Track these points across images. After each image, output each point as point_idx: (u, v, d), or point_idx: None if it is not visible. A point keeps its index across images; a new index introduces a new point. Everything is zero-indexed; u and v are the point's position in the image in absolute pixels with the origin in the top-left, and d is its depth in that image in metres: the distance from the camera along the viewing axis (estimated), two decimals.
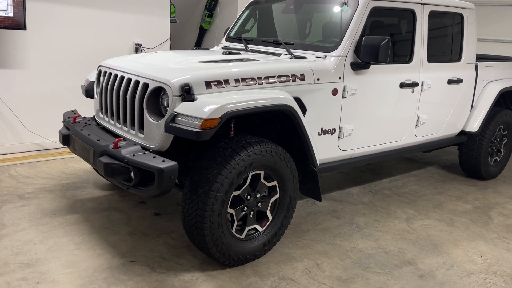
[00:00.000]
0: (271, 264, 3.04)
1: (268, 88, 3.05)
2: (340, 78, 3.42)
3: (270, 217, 3.10)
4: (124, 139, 2.95)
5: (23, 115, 4.93)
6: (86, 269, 2.84)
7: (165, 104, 2.86)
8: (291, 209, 3.18)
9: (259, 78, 3.02)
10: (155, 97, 2.91)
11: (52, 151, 5.14)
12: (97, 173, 3.99)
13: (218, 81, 2.86)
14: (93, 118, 3.64)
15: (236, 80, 2.93)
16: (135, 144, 2.87)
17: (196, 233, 2.74)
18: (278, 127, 3.32)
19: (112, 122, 3.29)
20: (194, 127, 2.59)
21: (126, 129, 3.11)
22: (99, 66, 3.56)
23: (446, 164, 5.60)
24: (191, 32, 7.90)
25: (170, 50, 5.97)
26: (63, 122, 3.59)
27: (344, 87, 3.45)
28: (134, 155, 2.70)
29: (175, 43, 7.40)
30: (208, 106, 2.63)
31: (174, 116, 2.69)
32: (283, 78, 3.13)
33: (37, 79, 4.98)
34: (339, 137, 3.56)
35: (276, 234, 3.13)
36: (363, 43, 3.37)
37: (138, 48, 5.58)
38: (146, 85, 2.92)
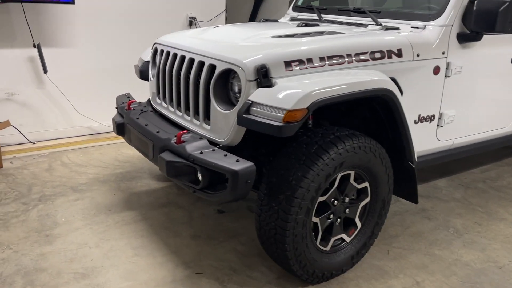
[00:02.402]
0: (361, 280, 2.54)
1: (359, 67, 2.48)
2: (443, 53, 2.78)
3: (359, 225, 2.58)
4: (188, 131, 2.50)
5: (74, 97, 4.62)
6: (147, 282, 2.46)
7: (236, 90, 2.37)
8: (383, 214, 2.64)
9: (349, 56, 2.45)
10: (224, 81, 2.42)
11: (105, 135, 4.84)
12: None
13: (300, 60, 2.32)
14: (149, 102, 3.23)
15: (321, 59, 2.38)
16: (201, 138, 2.41)
17: (275, 246, 2.28)
18: (366, 115, 2.75)
19: (172, 109, 2.85)
20: (275, 120, 2.08)
21: (188, 118, 2.66)
22: (155, 43, 3.10)
23: None
24: (245, 3, 7.31)
25: (226, 23, 5.45)
26: (116, 108, 3.20)
27: (447, 64, 2.81)
28: (201, 153, 2.24)
29: (230, 16, 6.85)
30: (292, 93, 2.10)
31: (249, 106, 2.19)
32: (377, 55, 2.54)
33: (87, 57, 4.63)
34: (438, 125, 2.95)
35: (365, 245, 2.62)
36: (475, 8, 2.69)
37: (192, 22, 5.10)
38: (212, 67, 2.43)
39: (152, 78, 3.14)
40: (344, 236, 2.53)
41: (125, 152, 4.40)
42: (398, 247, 2.89)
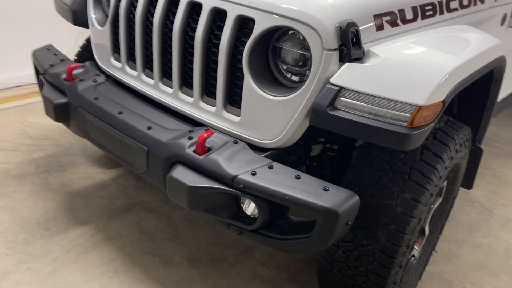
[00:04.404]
0: None
1: (449, 20, 1.73)
2: None
3: (427, 232, 1.98)
4: (211, 129, 1.52)
5: None
6: None
7: (291, 62, 1.44)
8: (449, 214, 2.08)
9: (440, 4, 1.66)
10: (264, 45, 1.47)
11: None
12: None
13: (391, 13, 1.47)
14: (94, 64, 2.08)
15: (414, 10, 1.55)
16: (235, 141, 1.48)
17: None
18: None
19: (150, 81, 1.79)
20: (396, 124, 1.26)
21: (189, 100, 1.66)
22: None
23: None
24: None
25: None
26: (42, 75, 1.99)
27: None
28: (254, 174, 1.34)
29: None
30: (420, 74, 1.28)
31: (335, 95, 1.31)
32: (465, 1, 1.80)
33: None
34: None
35: (430, 254, 2.06)
36: None
37: None
38: (241, 21, 1.45)
39: (98, 26, 1.98)
40: (415, 250, 1.92)
41: (36, 122, 3.12)
42: (441, 239, 2.39)
